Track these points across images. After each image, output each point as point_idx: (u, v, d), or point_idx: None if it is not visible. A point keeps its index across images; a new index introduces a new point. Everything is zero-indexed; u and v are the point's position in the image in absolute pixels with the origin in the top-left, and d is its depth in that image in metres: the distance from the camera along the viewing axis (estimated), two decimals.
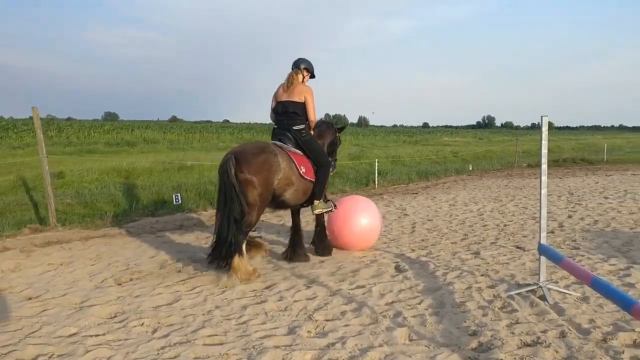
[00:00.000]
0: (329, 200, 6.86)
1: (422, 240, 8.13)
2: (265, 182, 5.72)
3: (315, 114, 6.58)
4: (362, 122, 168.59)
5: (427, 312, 4.77)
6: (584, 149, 39.48)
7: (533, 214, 10.47)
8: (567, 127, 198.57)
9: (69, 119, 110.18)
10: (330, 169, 6.89)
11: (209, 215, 10.97)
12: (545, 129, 5.10)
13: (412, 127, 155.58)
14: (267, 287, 5.59)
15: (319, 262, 6.68)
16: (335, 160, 7.53)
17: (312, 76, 6.84)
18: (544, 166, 5.17)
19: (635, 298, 4.13)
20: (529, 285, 5.42)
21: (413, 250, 7.40)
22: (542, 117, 5.11)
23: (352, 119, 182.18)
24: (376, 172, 16.80)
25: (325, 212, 6.83)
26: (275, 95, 6.66)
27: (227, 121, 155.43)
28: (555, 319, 4.53)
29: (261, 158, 5.75)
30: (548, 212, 10.36)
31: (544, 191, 5.19)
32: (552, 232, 8.61)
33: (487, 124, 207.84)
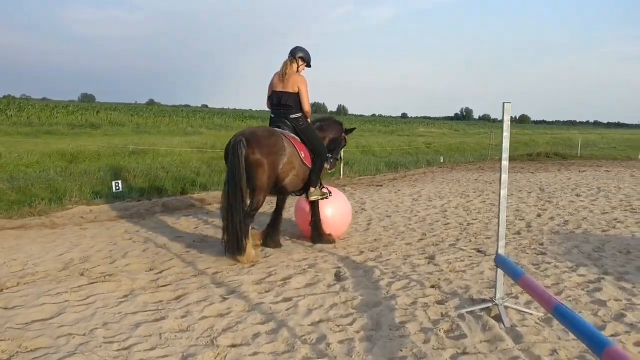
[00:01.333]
0: (324, 188, 6.88)
1: (375, 240, 7.31)
2: (273, 165, 5.79)
3: (309, 104, 6.59)
4: (342, 111, 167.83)
5: (357, 336, 3.93)
6: (559, 144, 39.13)
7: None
8: (544, 121, 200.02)
9: (44, 99, 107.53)
10: (327, 164, 7.06)
11: (150, 204, 10.04)
12: (507, 117, 4.28)
13: (390, 117, 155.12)
14: (176, 298, 4.70)
15: (249, 266, 5.80)
16: (336, 159, 7.51)
17: (308, 65, 6.76)
18: (505, 163, 4.37)
19: (608, 337, 3.32)
20: (484, 301, 4.63)
21: (361, 252, 6.57)
22: (504, 104, 4.30)
23: (332, 107, 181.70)
24: (342, 162, 15.96)
25: (320, 199, 6.74)
26: (271, 84, 6.64)
27: (206, 106, 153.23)
28: (510, 349, 3.73)
29: (272, 140, 5.84)
30: (516, 211, 9.64)
31: (503, 192, 4.39)
32: (519, 233, 7.87)
33: (464, 116, 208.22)
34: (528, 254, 6.60)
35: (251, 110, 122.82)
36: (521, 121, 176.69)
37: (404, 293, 4.91)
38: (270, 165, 5.76)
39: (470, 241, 7.32)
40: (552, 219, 9.03)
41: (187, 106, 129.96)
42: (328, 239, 6.92)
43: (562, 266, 5.95)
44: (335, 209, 7.01)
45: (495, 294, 4.46)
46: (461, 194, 12.16)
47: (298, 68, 6.57)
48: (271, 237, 6.73)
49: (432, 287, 5.14)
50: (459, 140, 34.01)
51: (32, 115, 34.91)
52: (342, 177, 15.36)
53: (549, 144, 38.40)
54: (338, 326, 4.12)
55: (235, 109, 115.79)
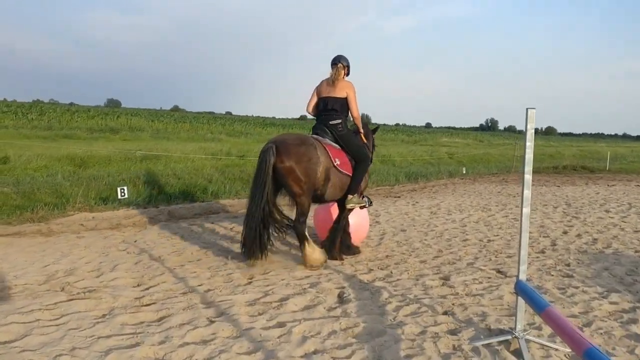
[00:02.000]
0: (364, 196, 6.79)
1: (387, 256, 6.79)
2: (306, 172, 5.69)
3: (358, 109, 6.60)
4: (365, 119, 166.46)
5: None
6: (586, 156, 38.10)
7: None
8: (570, 134, 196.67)
9: (71, 104, 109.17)
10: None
11: (156, 212, 9.65)
12: (530, 125, 3.76)
13: (414, 126, 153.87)
14: (158, 320, 4.24)
15: (245, 284, 5.32)
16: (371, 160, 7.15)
17: (348, 73, 6.73)
18: (528, 177, 3.83)
19: None
20: (502, 332, 4.09)
21: (370, 270, 6.06)
22: (527, 109, 3.78)
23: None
24: None
25: (359, 207, 6.66)
26: (318, 91, 6.61)
27: (230, 113, 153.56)
28: None
29: (302, 149, 5.74)
30: (540, 227, 9.04)
31: (525, 210, 3.85)
32: (543, 252, 7.28)
33: (490, 126, 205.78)
34: (553, 275, 6.02)
35: (274, 117, 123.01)
36: (547, 133, 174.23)
37: (413, 320, 4.38)
38: (302, 172, 5.68)
39: (490, 260, 6.76)
40: (579, 236, 8.42)
41: (211, 113, 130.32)
42: (355, 250, 6.82)
43: (591, 291, 5.37)
44: (353, 220, 6.79)
45: (515, 324, 3.92)
46: (482, 207, 11.57)
47: (343, 75, 6.59)
48: (344, 245, 6.70)
49: (445, 313, 4.60)
50: (483, 151, 33.24)
51: (52, 119, 35.05)
52: None
53: (575, 157, 37.39)
54: (333, 359, 3.61)
55: (258, 116, 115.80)
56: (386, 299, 4.95)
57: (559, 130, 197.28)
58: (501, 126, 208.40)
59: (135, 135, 30.56)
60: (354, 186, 6.38)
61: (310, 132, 6.61)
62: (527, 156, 3.79)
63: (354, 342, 3.89)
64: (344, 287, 5.26)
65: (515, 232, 8.60)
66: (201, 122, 46.38)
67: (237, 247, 7.01)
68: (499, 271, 6.18)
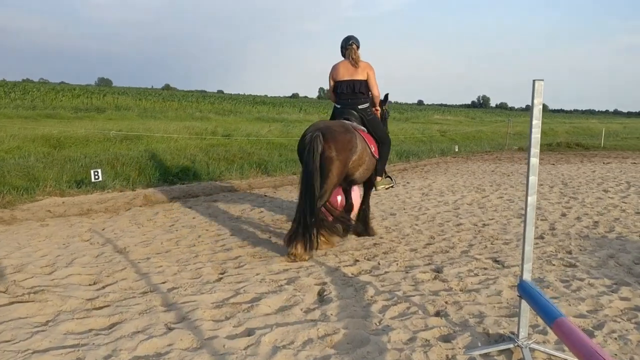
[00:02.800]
0: (389, 176, 6.82)
1: (374, 244, 6.27)
2: (345, 161, 5.65)
3: (378, 89, 6.53)
4: None
5: None
6: (579, 133, 37.74)
7: (519, 209, 8.63)
8: (562, 110, 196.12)
9: (61, 83, 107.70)
10: None
11: (133, 195, 9.08)
12: (538, 100, 3.20)
13: (406, 104, 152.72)
14: (108, 327, 3.69)
15: (214, 280, 4.77)
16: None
17: None
18: (534, 160, 3.28)
19: None
20: (502, 339, 3.58)
21: (356, 261, 5.53)
22: (534, 81, 3.22)
23: None
24: None
25: (388, 187, 6.82)
26: (335, 74, 6.44)
27: (222, 91, 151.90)
28: None
29: (347, 137, 5.68)
30: (537, 209, 8.52)
31: (531, 199, 3.31)
32: (542, 237, 6.78)
33: (481, 104, 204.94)
34: (554, 265, 5.52)
35: (266, 95, 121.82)
36: None
37: (401, 323, 3.86)
38: (343, 162, 5.63)
39: (486, 247, 6.26)
40: (578, 219, 7.93)
41: (203, 91, 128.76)
42: (373, 231, 6.78)
43: (598, 284, 4.87)
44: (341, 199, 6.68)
45: (518, 331, 3.41)
46: (476, 187, 11.06)
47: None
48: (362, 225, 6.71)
49: (437, 314, 4.09)
50: (475, 129, 32.69)
51: (36, 99, 34.11)
52: None
53: (568, 133, 36.99)
54: None
55: (250, 94, 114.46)
56: (371, 296, 4.42)
57: (550, 107, 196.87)
58: (493, 103, 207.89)
59: (121, 115, 29.74)
60: (380, 168, 6.48)
61: (332, 118, 6.57)
62: (533, 136, 3.24)
63: (332, 354, 3.35)
64: (325, 283, 4.72)
65: (511, 216, 8.10)
66: (189, 101, 45.45)
67: (210, 235, 6.48)
68: (495, 260, 5.68)
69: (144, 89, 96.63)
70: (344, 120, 6.19)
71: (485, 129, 32.61)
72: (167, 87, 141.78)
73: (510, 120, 26.82)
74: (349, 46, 6.36)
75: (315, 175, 5.45)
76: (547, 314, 2.86)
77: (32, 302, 4.01)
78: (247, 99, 68.54)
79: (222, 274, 4.96)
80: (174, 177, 11.12)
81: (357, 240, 6.44)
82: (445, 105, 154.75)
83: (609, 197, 9.97)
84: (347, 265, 5.33)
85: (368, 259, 5.62)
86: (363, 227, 6.69)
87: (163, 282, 4.62)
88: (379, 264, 5.44)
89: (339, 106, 6.50)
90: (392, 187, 6.94)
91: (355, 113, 6.35)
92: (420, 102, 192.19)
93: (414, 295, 4.45)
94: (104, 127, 17.35)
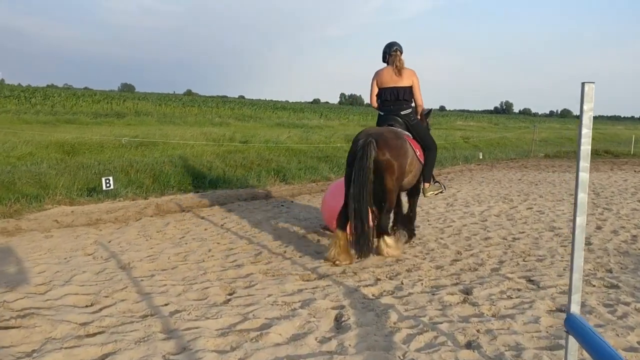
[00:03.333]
0: (437, 182, 6.77)
1: (397, 260, 5.83)
2: (401, 167, 5.68)
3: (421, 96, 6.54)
4: None
5: None
6: (606, 140, 36.81)
7: (551, 221, 8.12)
8: None
9: (85, 88, 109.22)
10: None
11: (145, 204, 8.75)
12: (588, 106, 2.75)
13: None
14: (102, 357, 3.29)
15: (222, 302, 4.37)
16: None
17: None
18: (584, 175, 2.83)
19: None
20: None
21: (377, 280, 5.10)
22: (583, 84, 2.76)
23: (367, 98, 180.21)
24: None
25: (437, 193, 6.77)
26: (379, 81, 6.42)
27: (243, 97, 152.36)
28: None
29: (399, 143, 5.73)
30: (569, 220, 8.01)
31: (580, 219, 2.84)
32: None
33: (504, 109, 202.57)
34: (594, 286, 5.03)
35: (287, 101, 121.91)
36: (562, 115, 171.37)
37: (428, 357, 3.41)
38: (398, 167, 5.64)
39: (518, 264, 5.78)
40: (615, 232, 7.41)
41: (225, 97, 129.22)
42: (413, 236, 6.82)
43: None
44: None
45: None
46: (503, 197, 10.54)
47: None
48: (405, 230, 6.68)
49: (468, 345, 3.63)
50: (499, 135, 31.99)
51: (56, 104, 34.21)
52: None
53: (596, 140, 35.99)
54: None
55: (270, 100, 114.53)
56: (394, 323, 3.98)
57: (574, 113, 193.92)
58: (516, 109, 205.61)
59: (140, 120, 29.67)
60: (428, 174, 6.50)
61: (377, 124, 6.51)
62: (582, 147, 2.79)
63: None
64: (342, 307, 4.29)
65: (542, 229, 7.60)
66: (210, 106, 45.39)
67: (221, 250, 6.09)
68: (529, 280, 5.21)
69: (166, 94, 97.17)
70: (390, 127, 6.19)
71: (509, 135, 31.89)
72: (189, 93, 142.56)
73: (535, 127, 26.12)
74: (393, 52, 6.35)
75: (365, 180, 5.40)
76: (603, 357, 2.40)
77: (19, 327, 3.64)
78: (267, 104, 68.48)
79: (230, 294, 4.56)
80: (189, 185, 10.80)
81: (377, 256, 6.00)
82: (468, 111, 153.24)
83: None
84: (367, 285, 4.90)
85: (390, 278, 5.18)
86: (409, 234, 6.71)
87: (165, 304, 4.23)
88: (402, 283, 5.00)
89: (382, 113, 6.48)
90: (441, 192, 6.85)
91: (398, 119, 6.33)
92: (442, 108, 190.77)
93: (441, 322, 4.00)
94: (121, 133, 17.12)
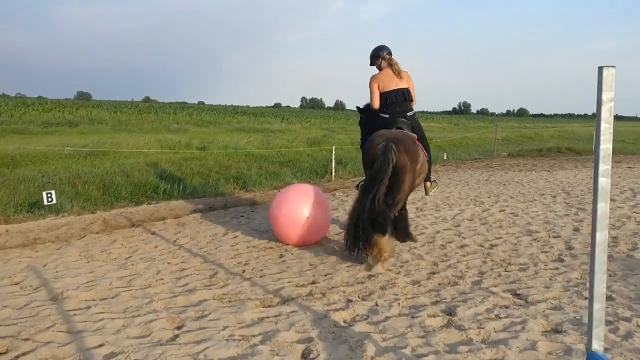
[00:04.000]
0: (434, 180, 6.82)
1: (369, 276, 5.26)
2: (413, 170, 5.71)
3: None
4: (339, 106, 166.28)
5: None
6: (564, 137, 37.14)
7: (526, 224, 7.69)
8: (542, 115, 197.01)
9: (39, 97, 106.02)
10: None
11: (92, 219, 7.99)
12: (608, 95, 2.24)
13: None
14: None
15: (168, 339, 3.71)
16: None
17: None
18: (604, 181, 2.29)
19: None
20: None
21: (348, 301, 4.51)
22: (600, 68, 2.23)
23: (329, 102, 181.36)
24: (333, 160, 13.93)
25: (436, 190, 6.95)
26: (382, 85, 6.38)
27: (203, 103, 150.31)
28: None
29: (414, 147, 5.81)
30: (546, 223, 7.72)
31: (601, 235, 2.31)
32: (561, 259, 5.88)
33: (462, 110, 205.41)
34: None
35: (247, 106, 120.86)
36: (519, 114, 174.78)
37: None
38: (413, 171, 5.69)
39: (500, 275, 5.28)
40: None
41: (184, 103, 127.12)
42: (414, 237, 6.85)
43: None
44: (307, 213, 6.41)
45: None
46: (473, 199, 10.10)
47: None
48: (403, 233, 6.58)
49: None
50: (461, 135, 31.88)
51: (3, 113, 32.66)
52: (333, 178, 13.33)
53: (554, 137, 36.40)
54: None
55: (231, 105, 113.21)
56: (372, 358, 3.39)
57: (530, 112, 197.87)
58: (474, 109, 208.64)
59: (94, 129, 28.49)
60: (429, 174, 6.49)
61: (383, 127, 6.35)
62: (602, 146, 2.26)
63: None
64: (310, 340, 3.67)
65: (519, 233, 7.15)
66: (167, 112, 44.22)
67: (171, 271, 5.41)
68: (515, 294, 4.70)
69: (123, 102, 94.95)
70: (400, 130, 6.18)
71: (471, 135, 31.83)
72: (146, 100, 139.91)
73: (497, 126, 26.01)
74: (387, 56, 6.45)
75: (382, 183, 5.37)
76: None
77: None
78: (227, 109, 67.39)
79: (179, 327, 3.90)
80: (142, 196, 10.06)
81: (348, 271, 5.42)
82: (427, 112, 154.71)
83: (617, 206, 9.09)
84: (337, 309, 4.29)
85: (363, 298, 4.59)
86: (405, 233, 6.63)
87: (100, 345, 3.53)
88: (376, 304, 4.42)
89: (387, 115, 6.37)
90: (437, 188, 6.99)
91: (405, 121, 6.34)
92: None
93: (426, 355, 3.43)
94: (70, 142, 16.15)
